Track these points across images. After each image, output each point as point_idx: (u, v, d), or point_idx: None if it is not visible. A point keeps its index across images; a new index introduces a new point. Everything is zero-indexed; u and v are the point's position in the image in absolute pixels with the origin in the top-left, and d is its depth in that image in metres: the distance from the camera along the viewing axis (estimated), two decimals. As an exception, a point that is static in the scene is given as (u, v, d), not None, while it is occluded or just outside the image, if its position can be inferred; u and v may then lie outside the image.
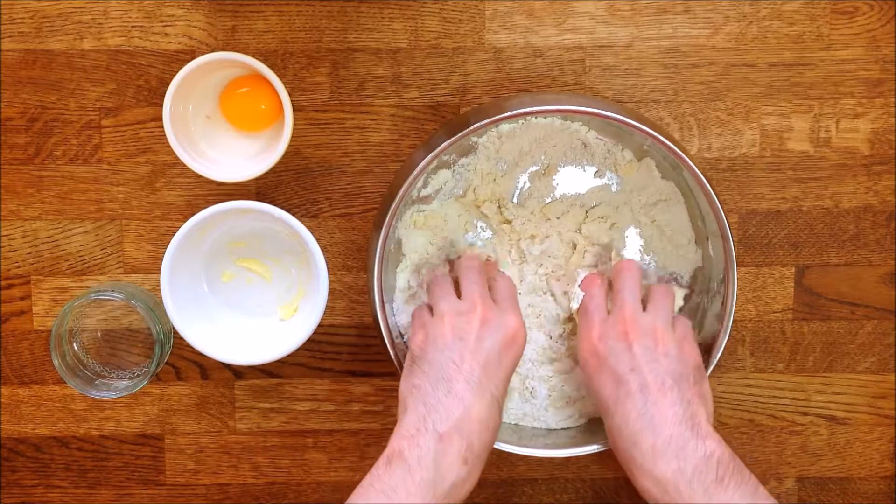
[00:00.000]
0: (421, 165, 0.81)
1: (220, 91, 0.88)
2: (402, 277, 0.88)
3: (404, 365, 0.82)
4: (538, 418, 0.89)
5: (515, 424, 0.89)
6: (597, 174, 0.88)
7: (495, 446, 0.85)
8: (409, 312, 0.88)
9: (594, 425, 0.89)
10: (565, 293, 0.88)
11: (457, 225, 0.88)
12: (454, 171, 0.87)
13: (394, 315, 0.88)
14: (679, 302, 0.88)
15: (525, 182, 0.88)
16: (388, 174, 0.91)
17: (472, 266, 0.85)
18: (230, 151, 0.89)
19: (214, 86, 0.88)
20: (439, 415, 0.75)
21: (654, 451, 0.74)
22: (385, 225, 0.82)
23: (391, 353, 0.85)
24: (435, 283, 0.85)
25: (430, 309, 0.84)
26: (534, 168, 0.88)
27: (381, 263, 0.83)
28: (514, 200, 0.88)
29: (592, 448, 0.85)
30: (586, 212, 0.88)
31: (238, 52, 0.87)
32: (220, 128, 0.89)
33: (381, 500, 0.72)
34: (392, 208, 0.82)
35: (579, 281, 0.86)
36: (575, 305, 0.86)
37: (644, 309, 0.83)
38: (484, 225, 0.88)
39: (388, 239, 0.83)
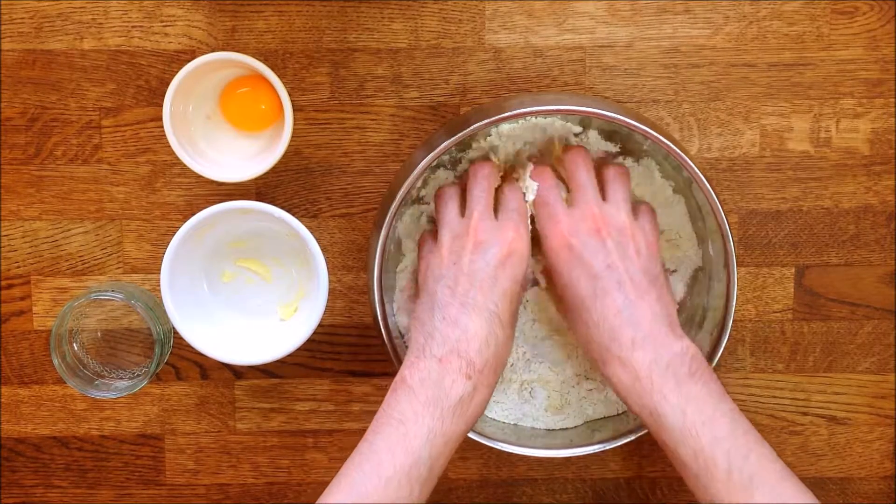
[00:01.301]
0: (421, 165, 0.81)
1: (220, 91, 0.88)
2: (402, 277, 0.88)
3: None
4: (537, 419, 0.89)
5: (515, 424, 0.89)
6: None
7: (495, 446, 0.85)
8: (409, 312, 0.88)
9: (593, 426, 0.89)
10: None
11: None
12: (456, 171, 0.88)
13: (394, 315, 0.88)
14: (680, 293, 0.88)
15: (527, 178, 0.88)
16: (388, 174, 0.91)
17: (481, 173, 0.83)
18: (230, 151, 0.89)
19: (214, 86, 0.88)
20: (436, 341, 0.76)
21: (633, 343, 0.77)
22: (385, 225, 0.82)
23: (391, 353, 0.85)
24: (440, 197, 0.84)
25: (434, 234, 0.84)
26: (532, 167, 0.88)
27: (381, 263, 0.83)
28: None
29: (592, 448, 0.85)
30: None
31: (238, 52, 0.87)
32: (220, 128, 0.89)
33: (392, 425, 0.74)
34: (392, 208, 0.82)
35: (529, 172, 0.84)
36: (531, 197, 0.84)
37: (603, 198, 0.82)
38: None
39: (388, 239, 0.83)
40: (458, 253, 0.79)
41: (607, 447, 0.85)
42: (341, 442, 0.95)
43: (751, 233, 0.93)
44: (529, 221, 0.83)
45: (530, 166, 0.85)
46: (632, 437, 0.85)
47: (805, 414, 0.95)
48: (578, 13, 0.90)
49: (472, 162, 0.86)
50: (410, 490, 0.74)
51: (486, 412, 0.89)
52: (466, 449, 0.95)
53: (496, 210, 0.82)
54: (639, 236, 0.81)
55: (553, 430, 0.89)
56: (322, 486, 0.95)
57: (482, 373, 0.76)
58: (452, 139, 0.80)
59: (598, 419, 0.89)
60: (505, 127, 0.86)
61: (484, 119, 0.81)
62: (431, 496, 0.94)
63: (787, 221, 0.93)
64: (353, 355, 0.94)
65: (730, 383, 0.94)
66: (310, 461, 0.95)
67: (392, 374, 0.93)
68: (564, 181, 0.84)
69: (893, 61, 0.90)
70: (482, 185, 0.82)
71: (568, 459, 0.95)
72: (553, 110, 0.82)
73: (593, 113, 0.81)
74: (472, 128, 0.80)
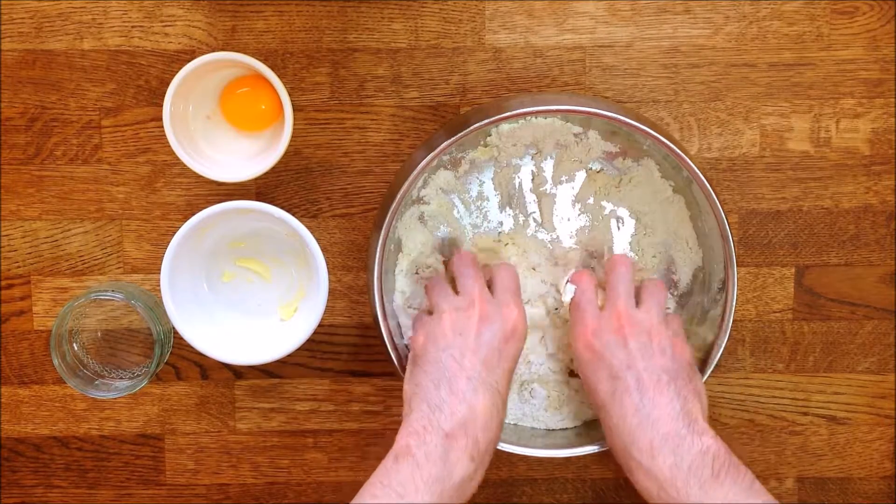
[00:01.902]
0: (421, 165, 0.81)
1: (220, 91, 0.88)
2: (402, 278, 0.88)
3: (406, 366, 0.82)
4: (537, 419, 0.89)
5: (515, 424, 0.89)
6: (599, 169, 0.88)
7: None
8: (409, 312, 0.88)
9: (593, 426, 0.89)
10: (557, 288, 0.88)
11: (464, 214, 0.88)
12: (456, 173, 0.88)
13: (394, 315, 0.88)
14: (671, 305, 0.88)
15: (529, 174, 0.88)
16: (388, 174, 0.91)
17: (466, 263, 0.84)
18: (230, 151, 0.89)
19: (214, 86, 0.88)
20: (444, 413, 0.75)
21: (652, 447, 0.75)
22: (385, 225, 0.82)
23: (391, 353, 0.85)
24: (432, 286, 0.85)
25: (430, 313, 0.84)
26: (532, 165, 0.88)
27: (381, 263, 0.83)
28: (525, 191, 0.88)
29: (592, 448, 0.85)
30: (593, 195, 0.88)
31: (238, 52, 0.87)
32: (220, 128, 0.89)
33: (391, 497, 0.72)
34: (392, 208, 0.82)
35: (568, 276, 0.86)
36: (567, 298, 0.86)
37: (637, 304, 0.83)
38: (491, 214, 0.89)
39: (388, 239, 0.83)
40: (462, 325, 0.79)
41: (607, 447, 0.84)
42: (341, 442, 0.95)
43: (751, 233, 0.93)
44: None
45: (571, 270, 0.86)
46: None
47: (805, 414, 0.95)
48: (578, 13, 0.90)
49: (452, 257, 0.87)
50: None
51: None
52: (466, 449, 0.95)
53: (491, 291, 0.83)
54: (662, 335, 0.80)
55: (553, 430, 0.89)
56: (322, 486, 0.95)
57: (485, 453, 0.77)
58: (452, 139, 0.80)
59: (597, 420, 0.89)
60: (505, 127, 0.86)
61: (484, 119, 0.81)
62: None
63: (787, 221, 0.93)
64: (353, 355, 0.94)
65: (730, 383, 0.94)
66: (310, 461, 0.95)
67: (392, 375, 0.93)
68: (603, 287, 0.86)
69: (893, 61, 0.90)
70: (470, 273, 0.83)
71: (568, 459, 0.95)
72: (553, 110, 0.82)
73: (593, 113, 0.81)
74: (472, 128, 0.80)
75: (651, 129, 0.81)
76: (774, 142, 0.91)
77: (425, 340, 0.81)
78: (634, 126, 0.81)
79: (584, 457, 0.95)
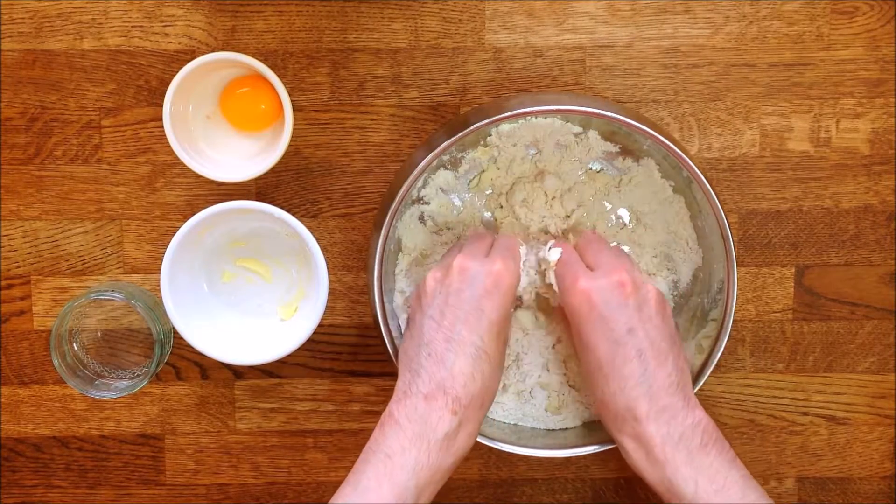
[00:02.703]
0: (421, 165, 0.81)
1: (220, 91, 0.88)
2: (402, 278, 0.88)
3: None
4: (537, 419, 0.89)
5: (515, 424, 0.89)
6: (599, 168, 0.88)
7: (495, 446, 0.85)
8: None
9: (593, 426, 0.89)
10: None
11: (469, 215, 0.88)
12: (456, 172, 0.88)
13: (394, 315, 0.88)
14: (682, 289, 0.88)
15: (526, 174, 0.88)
16: (388, 174, 0.91)
17: (473, 235, 0.85)
18: (230, 151, 0.89)
19: (214, 86, 0.88)
20: (422, 379, 0.77)
21: (648, 418, 0.77)
22: (385, 225, 0.82)
23: (391, 352, 0.85)
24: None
25: None
26: (530, 162, 0.88)
27: (381, 263, 0.83)
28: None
29: (592, 448, 0.85)
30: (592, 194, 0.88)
31: (238, 52, 0.87)
32: (221, 128, 0.89)
33: (380, 459, 0.75)
34: (392, 208, 0.82)
35: (550, 243, 0.85)
36: (554, 257, 0.84)
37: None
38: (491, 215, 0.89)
39: (388, 239, 0.83)
40: (443, 283, 0.79)
41: (607, 447, 0.84)
42: (341, 442, 0.95)
43: (751, 233, 0.93)
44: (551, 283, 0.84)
45: (552, 241, 0.86)
46: None
47: (805, 414, 0.95)
48: (578, 13, 0.90)
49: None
50: None
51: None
52: (466, 449, 0.95)
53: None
54: (656, 297, 0.80)
55: (553, 430, 0.89)
56: (322, 486, 0.95)
57: (468, 407, 0.77)
58: (452, 139, 0.80)
59: (597, 420, 0.89)
60: (505, 127, 0.86)
61: (484, 119, 0.81)
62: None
63: (787, 221, 0.93)
64: (353, 355, 0.94)
65: (730, 383, 0.94)
66: (310, 461, 0.95)
67: (392, 375, 0.93)
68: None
69: (893, 61, 0.90)
70: (473, 238, 0.84)
71: (568, 459, 0.95)
72: (553, 110, 0.82)
73: (593, 113, 0.81)
74: (472, 128, 0.80)
75: (651, 128, 0.81)
76: (774, 142, 0.91)
77: (414, 305, 0.82)
78: (634, 126, 0.81)
79: (585, 457, 0.95)
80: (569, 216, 0.88)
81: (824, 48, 0.90)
